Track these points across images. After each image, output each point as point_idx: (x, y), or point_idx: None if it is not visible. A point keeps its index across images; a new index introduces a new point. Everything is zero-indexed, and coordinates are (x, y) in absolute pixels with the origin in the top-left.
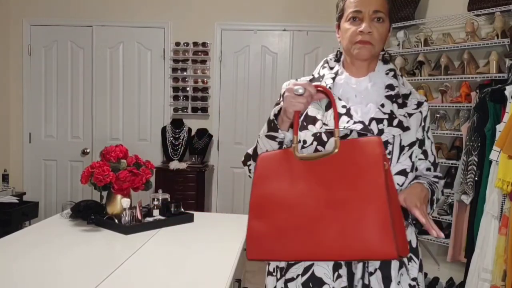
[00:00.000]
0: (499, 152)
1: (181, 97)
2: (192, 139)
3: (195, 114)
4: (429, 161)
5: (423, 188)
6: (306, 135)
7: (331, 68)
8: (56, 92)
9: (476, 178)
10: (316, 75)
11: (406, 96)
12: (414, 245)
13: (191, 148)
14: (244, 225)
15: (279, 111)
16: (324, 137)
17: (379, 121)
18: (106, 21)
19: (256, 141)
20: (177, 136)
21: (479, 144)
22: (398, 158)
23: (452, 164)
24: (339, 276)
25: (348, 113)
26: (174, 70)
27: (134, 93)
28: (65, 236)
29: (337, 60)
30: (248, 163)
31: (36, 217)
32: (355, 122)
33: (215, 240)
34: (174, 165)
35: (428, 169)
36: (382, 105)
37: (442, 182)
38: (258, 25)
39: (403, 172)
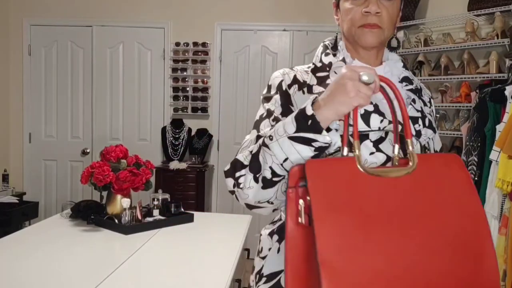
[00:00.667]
0: (499, 152)
1: (181, 97)
2: (192, 139)
3: (195, 114)
4: None
5: None
6: (328, 139)
7: (334, 55)
8: (56, 92)
9: (476, 178)
10: (319, 64)
11: (420, 92)
12: None
13: (191, 148)
14: (244, 225)
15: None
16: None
17: (414, 120)
18: (106, 21)
19: (257, 143)
20: (177, 136)
21: (479, 144)
22: None
23: None
24: None
25: (378, 110)
26: (174, 70)
27: (134, 93)
28: (65, 236)
29: (334, 46)
30: (238, 174)
31: (36, 217)
32: (390, 122)
33: (215, 240)
34: (174, 165)
35: None
36: (414, 101)
37: None
38: (258, 25)
39: None
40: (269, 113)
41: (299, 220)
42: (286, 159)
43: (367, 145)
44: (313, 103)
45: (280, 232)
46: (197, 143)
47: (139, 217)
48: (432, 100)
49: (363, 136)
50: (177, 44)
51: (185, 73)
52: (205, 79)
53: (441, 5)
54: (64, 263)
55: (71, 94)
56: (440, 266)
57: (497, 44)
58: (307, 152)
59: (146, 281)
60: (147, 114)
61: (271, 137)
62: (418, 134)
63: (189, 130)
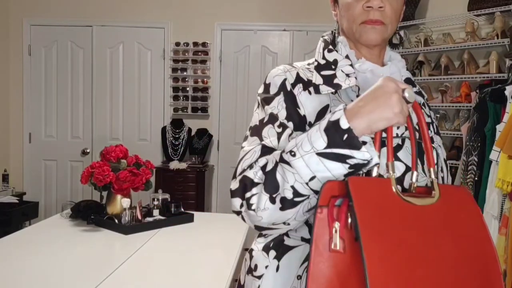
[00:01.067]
0: (499, 152)
1: (181, 97)
2: (192, 139)
3: (195, 114)
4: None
5: None
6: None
7: (337, 51)
8: (56, 92)
9: (476, 178)
10: (322, 61)
11: (420, 94)
12: None
13: (191, 148)
14: (244, 225)
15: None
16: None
17: (427, 126)
18: (106, 21)
19: (272, 159)
20: (177, 136)
21: (479, 144)
22: (448, 177)
23: (452, 164)
24: None
25: None
26: (174, 70)
27: (134, 93)
28: (65, 236)
29: (332, 43)
30: (250, 193)
31: (36, 217)
32: (406, 128)
33: (215, 240)
34: (174, 165)
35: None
36: (424, 105)
37: None
38: (258, 25)
39: None
40: (273, 117)
41: (332, 245)
42: (312, 178)
43: (384, 153)
44: (344, 111)
45: (277, 248)
46: (197, 143)
47: (139, 217)
48: (426, 102)
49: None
50: (177, 44)
51: (185, 73)
52: (205, 79)
53: (441, 5)
54: (64, 263)
55: (71, 94)
56: None
57: (497, 44)
58: (340, 170)
59: (146, 281)
60: (147, 114)
61: (292, 153)
62: (431, 141)
63: (189, 130)
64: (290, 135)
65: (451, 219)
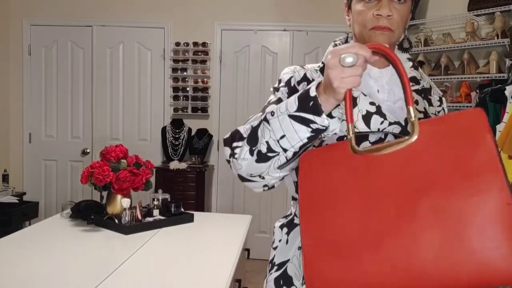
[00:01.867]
0: (499, 152)
1: (181, 97)
2: (192, 139)
3: (195, 114)
4: None
5: None
6: (329, 139)
7: None
8: (56, 92)
9: None
10: None
11: (429, 91)
12: None
13: (191, 148)
14: (244, 225)
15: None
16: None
17: None
18: (106, 21)
19: (258, 119)
20: (177, 136)
21: None
22: None
23: None
24: None
25: (380, 112)
26: (174, 70)
27: (134, 93)
28: (65, 236)
29: None
30: (236, 144)
31: (36, 217)
32: (390, 123)
33: (215, 240)
34: (174, 165)
35: None
36: (416, 102)
37: None
38: (258, 25)
39: None
40: (278, 100)
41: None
42: (283, 136)
43: (366, 146)
44: (318, 86)
45: (289, 225)
46: (197, 143)
47: (139, 217)
48: (443, 98)
49: (362, 137)
50: (177, 44)
51: (185, 73)
52: (205, 79)
53: (441, 5)
54: (64, 263)
55: (71, 94)
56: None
57: (497, 44)
58: (304, 132)
59: (146, 281)
60: (147, 114)
61: (272, 113)
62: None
63: (189, 130)
64: None
65: (433, 155)
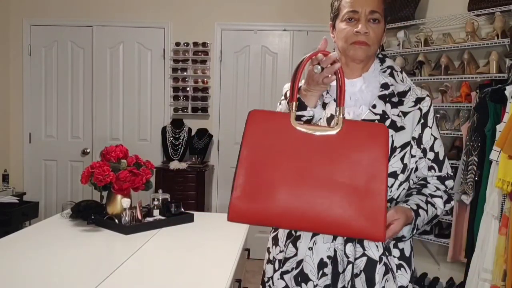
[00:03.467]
0: (499, 152)
1: (181, 97)
2: (192, 139)
3: (195, 114)
4: (429, 159)
5: (409, 212)
6: (319, 111)
7: None
8: (56, 92)
9: (476, 178)
10: None
11: (403, 94)
12: (407, 254)
13: (191, 148)
14: (244, 225)
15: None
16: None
17: (371, 122)
18: (106, 21)
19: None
20: (177, 136)
21: (479, 144)
22: (389, 160)
23: (452, 164)
24: (324, 274)
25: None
26: (174, 70)
27: (134, 93)
28: (65, 236)
29: None
30: None
31: (36, 217)
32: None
33: (215, 240)
34: (174, 165)
35: (430, 169)
36: (374, 106)
37: (449, 182)
38: (258, 25)
39: (393, 174)
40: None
41: None
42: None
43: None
44: (299, 89)
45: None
46: (197, 143)
47: (139, 217)
48: (427, 97)
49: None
50: (177, 44)
51: (185, 73)
52: (205, 79)
53: (441, 5)
54: (64, 263)
55: (71, 94)
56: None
57: (497, 44)
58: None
59: (146, 281)
60: (147, 114)
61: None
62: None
63: (189, 130)
64: None
65: (349, 145)
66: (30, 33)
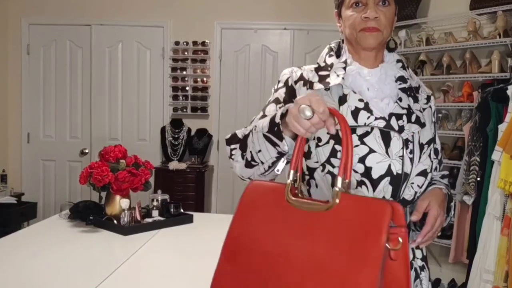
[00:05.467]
0: (501, 152)
1: (181, 97)
2: (191, 139)
3: (194, 114)
4: (437, 159)
5: (444, 197)
6: (320, 131)
7: (338, 57)
8: (55, 91)
9: (478, 179)
10: (322, 64)
11: (416, 90)
12: (425, 253)
13: (191, 148)
14: None
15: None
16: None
17: (398, 116)
18: (105, 20)
19: (249, 128)
20: (176, 136)
21: (481, 144)
22: (420, 158)
23: (454, 164)
24: None
25: (367, 108)
26: (174, 69)
27: (133, 92)
28: (63, 237)
29: (338, 50)
30: (233, 146)
31: (34, 218)
32: (376, 118)
33: (214, 241)
34: (174, 165)
35: (435, 169)
36: (400, 99)
37: (446, 180)
38: (259, 24)
39: (423, 173)
40: (277, 100)
41: None
42: (259, 150)
43: (353, 139)
44: (286, 113)
45: None
46: (197, 143)
47: (138, 217)
48: (431, 97)
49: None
50: (177, 43)
51: (184, 72)
52: (204, 79)
53: (443, 4)
54: (63, 264)
55: (69, 93)
56: None
57: (499, 44)
58: (272, 152)
59: (145, 282)
60: (146, 114)
61: (255, 128)
62: (401, 129)
63: (189, 130)
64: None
65: (343, 225)
66: (28, 32)
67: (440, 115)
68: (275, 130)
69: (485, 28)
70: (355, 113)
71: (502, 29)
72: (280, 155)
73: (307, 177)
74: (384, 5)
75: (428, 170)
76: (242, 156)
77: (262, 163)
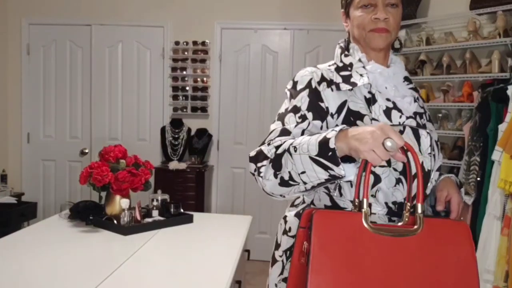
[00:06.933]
0: (501, 152)
1: (181, 97)
2: (191, 139)
3: (194, 113)
4: None
5: (456, 184)
6: (349, 169)
7: (351, 56)
8: (55, 91)
9: (478, 179)
10: (340, 64)
11: (417, 90)
12: None
13: (191, 148)
14: (244, 225)
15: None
16: None
17: (420, 115)
18: (105, 20)
19: (284, 145)
20: (176, 136)
21: (481, 144)
22: (438, 154)
23: (454, 164)
24: None
25: (396, 107)
26: (174, 69)
27: (133, 92)
28: (63, 237)
29: (346, 49)
30: (260, 164)
31: (34, 218)
32: (407, 117)
33: (215, 241)
34: (174, 165)
35: None
36: (417, 98)
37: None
38: (259, 24)
39: (439, 169)
40: (296, 109)
41: (301, 259)
42: (303, 172)
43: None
44: (337, 134)
45: None
46: (197, 143)
47: (138, 217)
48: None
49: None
50: (177, 43)
51: (184, 72)
52: (204, 79)
53: (443, 4)
54: (63, 264)
55: (69, 93)
56: None
57: (499, 43)
58: (323, 174)
59: (145, 283)
60: (146, 114)
61: (295, 149)
62: (424, 127)
63: (189, 130)
64: (305, 127)
65: (432, 253)
66: (28, 32)
67: (440, 115)
68: (329, 155)
69: (485, 28)
70: (387, 112)
71: (502, 29)
72: (333, 178)
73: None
74: (393, 7)
75: (441, 165)
76: (275, 175)
77: (305, 183)
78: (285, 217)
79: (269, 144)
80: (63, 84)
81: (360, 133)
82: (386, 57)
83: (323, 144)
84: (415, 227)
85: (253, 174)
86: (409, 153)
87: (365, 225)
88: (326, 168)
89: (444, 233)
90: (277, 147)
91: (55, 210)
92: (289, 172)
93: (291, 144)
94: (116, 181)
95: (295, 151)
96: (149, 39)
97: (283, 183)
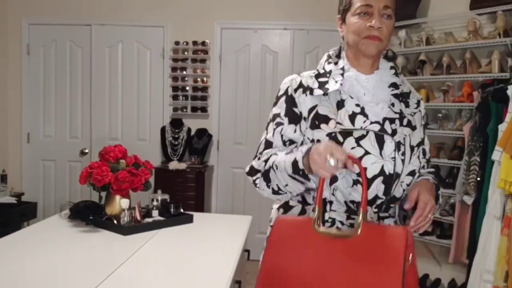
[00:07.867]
0: (502, 152)
1: (181, 97)
2: (191, 139)
3: (194, 113)
4: (425, 159)
5: (432, 186)
6: (320, 135)
7: (335, 64)
8: (55, 91)
9: (478, 179)
10: (322, 71)
11: (407, 95)
12: None
13: (191, 148)
14: (244, 225)
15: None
16: (340, 137)
17: (391, 120)
18: (105, 20)
19: (269, 161)
20: (176, 136)
21: (481, 144)
22: (410, 159)
23: (454, 164)
24: None
25: (363, 112)
26: (174, 69)
27: (133, 92)
28: (63, 237)
29: (337, 55)
30: (255, 177)
31: (34, 218)
32: (371, 122)
33: (214, 241)
34: (174, 165)
35: (423, 167)
36: (393, 104)
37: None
38: (259, 24)
39: (412, 173)
40: (274, 116)
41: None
42: (286, 185)
43: (350, 141)
44: (304, 155)
45: (285, 207)
46: (197, 143)
47: (138, 217)
48: (421, 101)
49: (347, 134)
50: (177, 43)
51: (184, 72)
52: (204, 79)
53: (443, 4)
54: (63, 264)
55: (69, 93)
56: None
57: (499, 43)
58: (301, 186)
59: (145, 283)
60: (146, 114)
61: (276, 167)
62: (394, 132)
63: (189, 130)
64: (281, 130)
65: (367, 251)
66: (28, 32)
67: (440, 115)
68: (300, 173)
69: (485, 28)
70: (352, 117)
71: (502, 29)
72: (308, 188)
73: None
74: (387, 18)
75: (417, 171)
76: (268, 186)
77: (290, 192)
78: (272, 208)
79: (259, 159)
80: (63, 84)
81: (312, 154)
82: (375, 64)
83: (295, 164)
84: (356, 232)
85: (254, 185)
86: (368, 159)
87: (314, 228)
88: (301, 182)
89: (376, 246)
90: (265, 161)
91: (55, 210)
92: (277, 185)
93: (274, 161)
94: (116, 181)
95: (277, 168)
96: (149, 39)
97: (275, 192)
